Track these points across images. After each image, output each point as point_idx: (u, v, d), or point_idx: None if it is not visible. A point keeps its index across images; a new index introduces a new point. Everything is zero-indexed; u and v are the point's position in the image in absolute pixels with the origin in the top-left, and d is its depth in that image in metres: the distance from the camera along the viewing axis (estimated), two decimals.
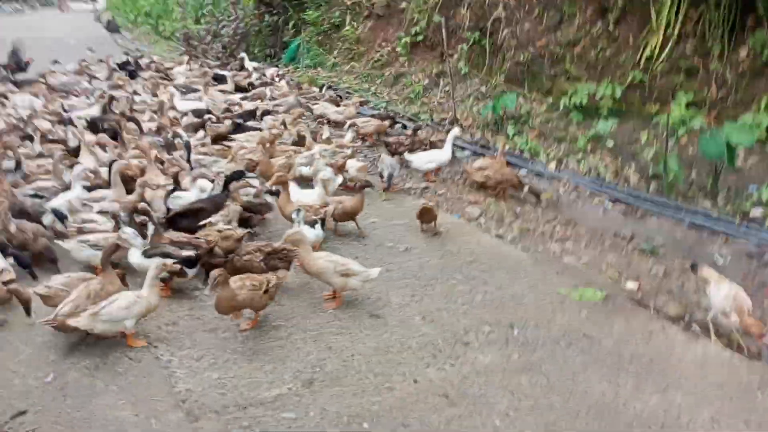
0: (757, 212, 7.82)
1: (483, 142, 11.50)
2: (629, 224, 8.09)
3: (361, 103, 13.70)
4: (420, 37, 15.86)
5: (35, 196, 6.51)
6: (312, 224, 6.01)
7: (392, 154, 9.38)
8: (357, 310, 5.37)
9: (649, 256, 6.96)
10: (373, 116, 11.88)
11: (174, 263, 5.21)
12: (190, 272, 5.42)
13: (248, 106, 11.80)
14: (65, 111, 10.12)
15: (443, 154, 9.17)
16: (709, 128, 8.25)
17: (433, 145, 10.37)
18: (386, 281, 5.76)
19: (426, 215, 6.95)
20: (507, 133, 11.58)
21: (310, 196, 6.83)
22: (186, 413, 4.03)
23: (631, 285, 6.05)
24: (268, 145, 8.27)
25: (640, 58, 10.91)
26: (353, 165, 8.27)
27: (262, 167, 7.67)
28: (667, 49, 10.55)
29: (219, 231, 5.82)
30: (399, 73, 15.77)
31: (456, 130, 9.76)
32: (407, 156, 9.14)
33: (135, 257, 5.39)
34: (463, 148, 11.23)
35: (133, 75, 13.98)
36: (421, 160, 9.00)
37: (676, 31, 10.53)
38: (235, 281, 4.79)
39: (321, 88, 15.66)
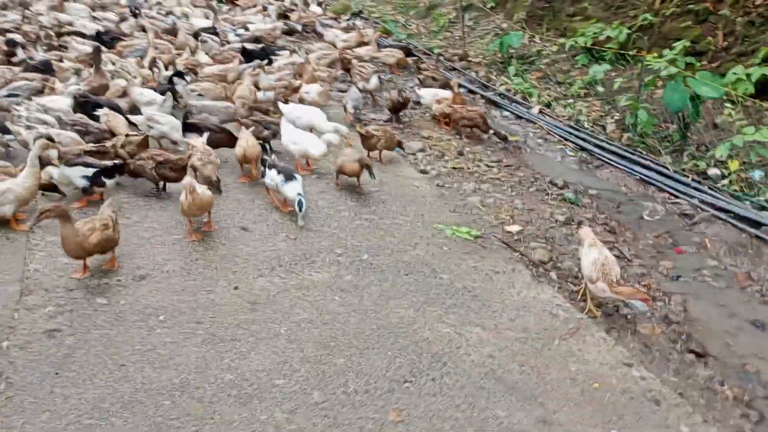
0: (715, 172, 7.35)
1: (484, 81, 11.23)
2: (575, 173, 7.85)
3: (383, 34, 13.52)
4: None
5: None
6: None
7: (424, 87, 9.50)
8: (230, 222, 5.70)
9: (569, 205, 6.78)
10: (390, 47, 11.73)
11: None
12: (109, 182, 5.76)
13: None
14: None
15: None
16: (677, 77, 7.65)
17: (435, 81, 10.13)
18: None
19: (366, 141, 7.06)
20: (507, 72, 11.24)
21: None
22: (22, 288, 4.57)
23: (513, 228, 5.98)
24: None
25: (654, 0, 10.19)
26: (314, 89, 8.35)
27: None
28: None
29: (126, 135, 6.24)
30: (432, 4, 15.42)
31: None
32: (417, 90, 9.16)
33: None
34: (461, 86, 11.02)
35: None
36: (429, 95, 8.95)
37: None
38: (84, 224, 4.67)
39: (353, 16, 15.61)
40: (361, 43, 11.29)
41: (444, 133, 8.57)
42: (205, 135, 6.39)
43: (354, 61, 9.69)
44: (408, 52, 11.45)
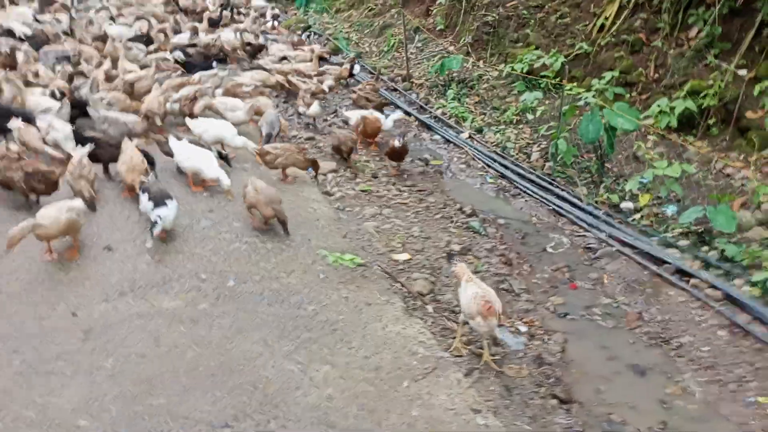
0: (628, 205, 7.16)
1: (422, 103, 11.04)
2: (490, 200, 7.62)
3: (329, 53, 13.27)
4: None
5: None
6: None
7: (358, 107, 9.25)
8: (95, 240, 5.35)
9: (472, 234, 6.52)
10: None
11: None
12: None
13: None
14: None
15: (385, 123, 8.50)
16: (593, 108, 7.48)
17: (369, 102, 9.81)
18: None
19: (263, 159, 6.74)
20: (446, 95, 11.06)
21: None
22: None
23: (400, 257, 5.70)
24: None
25: (593, 28, 10.10)
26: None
27: None
28: (620, 20, 9.71)
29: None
30: (386, 24, 15.28)
31: (398, 113, 9.31)
32: (344, 112, 8.86)
33: None
34: (397, 107, 10.82)
35: None
36: (356, 116, 8.42)
37: (632, 2, 9.66)
38: None
39: (304, 31, 15.43)
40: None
41: (365, 154, 8.29)
42: (86, 147, 6.05)
43: (300, 86, 9.35)
44: (351, 69, 11.29)
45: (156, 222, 5.02)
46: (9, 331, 4.17)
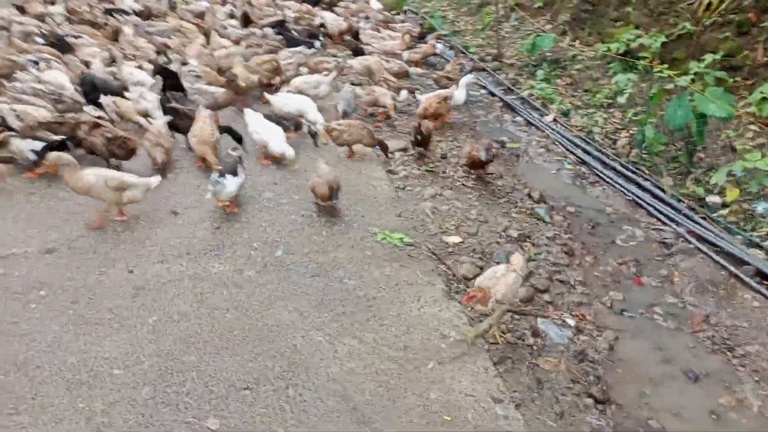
0: (714, 200, 6.61)
1: (510, 84, 10.71)
2: (565, 187, 7.29)
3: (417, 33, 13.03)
4: None
5: None
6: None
7: (440, 87, 9.04)
8: (163, 204, 5.67)
9: (536, 221, 6.29)
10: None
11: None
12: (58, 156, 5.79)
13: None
14: None
15: (456, 95, 8.23)
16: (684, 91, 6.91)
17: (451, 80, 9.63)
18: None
19: (330, 135, 6.85)
20: (536, 76, 10.65)
21: None
22: None
23: (452, 239, 5.59)
24: None
25: (698, 7, 9.32)
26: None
27: None
28: None
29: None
30: (484, 2, 14.88)
31: (469, 77, 8.71)
32: (418, 96, 8.67)
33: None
34: (484, 87, 10.58)
35: None
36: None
37: None
38: None
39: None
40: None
41: (438, 134, 8.16)
42: (164, 118, 6.41)
43: (385, 73, 9.21)
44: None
45: (217, 181, 5.21)
46: (71, 282, 4.52)
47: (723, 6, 8.83)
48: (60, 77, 7.44)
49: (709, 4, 9.09)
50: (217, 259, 4.95)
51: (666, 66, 7.60)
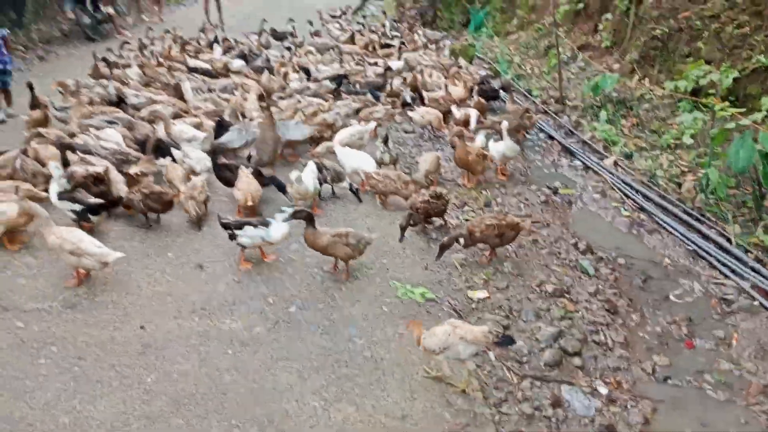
0: None
1: (572, 126, 10.28)
2: (619, 236, 6.77)
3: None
4: (581, 5, 14.41)
5: None
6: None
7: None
8: (191, 258, 5.71)
9: (579, 274, 5.83)
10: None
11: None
12: (94, 219, 6.07)
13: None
14: None
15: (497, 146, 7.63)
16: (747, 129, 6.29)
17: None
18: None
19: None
20: (598, 118, 10.15)
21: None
22: None
23: (477, 294, 5.25)
24: None
25: None
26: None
27: None
28: None
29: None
30: (551, 45, 14.52)
31: (505, 123, 7.75)
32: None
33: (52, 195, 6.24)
34: (541, 130, 10.20)
35: None
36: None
37: None
38: None
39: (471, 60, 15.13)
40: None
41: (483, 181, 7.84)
42: (203, 175, 6.58)
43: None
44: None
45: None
46: (84, 338, 4.57)
47: None
48: (115, 136, 7.76)
49: None
50: (230, 314, 4.89)
51: (728, 104, 6.97)
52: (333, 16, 19.29)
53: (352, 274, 5.44)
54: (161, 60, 12.02)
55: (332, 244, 5.17)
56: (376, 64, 12.60)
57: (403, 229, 5.85)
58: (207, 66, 12.01)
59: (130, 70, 11.39)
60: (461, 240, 5.55)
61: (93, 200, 6.00)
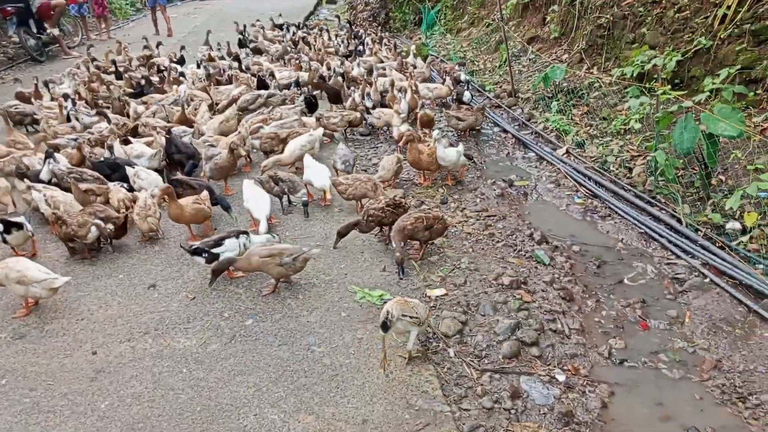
0: (734, 226, 6.04)
1: (525, 119, 10.38)
2: (573, 224, 6.84)
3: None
4: None
5: None
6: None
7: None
8: (144, 279, 5.60)
9: (535, 264, 5.88)
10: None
11: None
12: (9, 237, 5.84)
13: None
14: None
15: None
16: (691, 111, 6.42)
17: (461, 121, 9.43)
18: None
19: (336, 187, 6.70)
20: (550, 108, 10.28)
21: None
22: None
23: (434, 292, 5.26)
24: None
25: (713, 20, 8.81)
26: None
27: None
28: (744, 7, 8.35)
29: None
30: (501, 40, 14.67)
31: (435, 133, 7.38)
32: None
33: None
34: (495, 124, 10.29)
35: None
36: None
37: None
38: None
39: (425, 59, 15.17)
40: None
41: (438, 178, 7.86)
42: (149, 191, 6.44)
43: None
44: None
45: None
46: (34, 368, 4.45)
47: (738, 16, 8.29)
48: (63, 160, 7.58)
49: (725, 16, 8.57)
50: (184, 333, 4.80)
51: (669, 87, 7.11)
52: (277, 26, 18.49)
53: (309, 281, 5.40)
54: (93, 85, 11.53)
55: (263, 265, 5.08)
56: (329, 68, 12.52)
57: (340, 235, 5.81)
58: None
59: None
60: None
61: (14, 219, 5.83)
